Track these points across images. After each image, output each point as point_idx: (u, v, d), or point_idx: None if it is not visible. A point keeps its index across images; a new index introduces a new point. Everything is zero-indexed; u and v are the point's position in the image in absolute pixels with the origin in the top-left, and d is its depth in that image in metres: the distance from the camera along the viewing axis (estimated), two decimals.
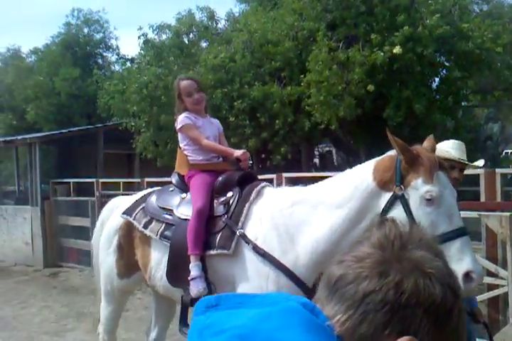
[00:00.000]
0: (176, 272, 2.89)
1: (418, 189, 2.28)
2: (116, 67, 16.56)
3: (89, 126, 12.61)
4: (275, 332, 0.69)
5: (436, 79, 8.68)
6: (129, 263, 3.26)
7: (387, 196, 2.38)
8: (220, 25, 12.50)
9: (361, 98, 8.04)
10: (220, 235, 2.80)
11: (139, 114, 10.11)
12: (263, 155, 11.62)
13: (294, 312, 0.74)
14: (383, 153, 2.57)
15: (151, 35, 11.56)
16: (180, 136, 3.27)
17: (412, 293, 0.72)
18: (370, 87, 7.71)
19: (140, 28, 11.26)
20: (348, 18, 8.55)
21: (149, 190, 3.58)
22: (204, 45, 12.03)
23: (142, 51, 11.81)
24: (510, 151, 18.44)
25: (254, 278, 2.63)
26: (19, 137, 10.99)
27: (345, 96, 7.98)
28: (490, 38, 7.73)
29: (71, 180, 9.53)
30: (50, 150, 12.28)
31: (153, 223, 3.11)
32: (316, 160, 13.74)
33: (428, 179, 2.27)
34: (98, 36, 16.84)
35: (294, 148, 10.02)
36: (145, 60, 11.51)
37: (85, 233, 8.80)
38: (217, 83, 9.56)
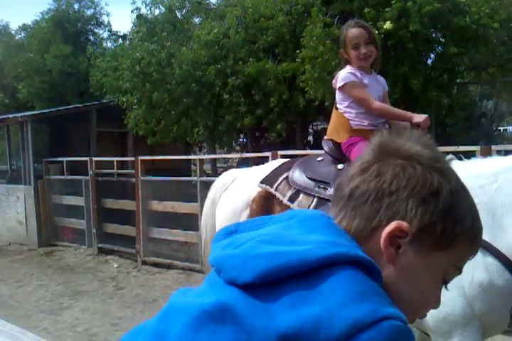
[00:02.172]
0: None
1: None
2: (109, 44, 16.29)
3: (81, 104, 12.45)
4: (299, 235, 0.71)
5: (432, 56, 8.58)
6: None
7: None
8: (213, 1, 12.30)
9: None
10: None
11: (131, 91, 9.99)
12: (257, 134, 11.58)
13: (314, 218, 0.76)
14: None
15: (143, 11, 11.39)
16: (340, 95, 2.79)
17: (392, 180, 0.73)
18: None
19: (133, 2, 11.07)
20: None
21: (281, 160, 3.15)
22: (197, 20, 11.84)
23: (135, 27, 11.61)
24: (503, 128, 18.46)
25: None
26: (10, 115, 10.84)
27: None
28: (487, 13, 7.62)
29: (64, 159, 9.46)
30: (43, 129, 12.14)
31: (301, 196, 2.68)
32: (311, 138, 13.70)
33: None
34: (89, 12, 16.50)
35: (289, 125, 9.97)
36: (137, 35, 11.31)
37: (79, 212, 8.80)
38: (211, 59, 9.44)
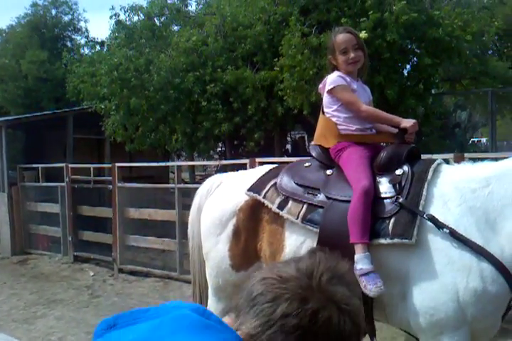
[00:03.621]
0: None
1: None
2: (86, 51, 16.17)
3: (57, 111, 12.30)
4: (166, 337, 0.73)
5: (408, 66, 8.76)
6: (247, 251, 2.75)
7: None
8: (192, 9, 12.34)
9: None
10: (393, 220, 2.30)
11: (109, 97, 9.92)
12: (236, 142, 11.59)
13: (184, 317, 0.78)
14: None
15: (122, 17, 11.35)
16: (328, 99, 2.75)
17: (324, 324, 0.77)
18: None
19: (112, 8, 11.03)
20: (320, 3, 8.52)
21: (267, 166, 3.09)
22: (176, 28, 11.85)
23: (113, 33, 11.57)
24: (477, 140, 18.87)
25: (447, 272, 2.13)
26: None
27: (317, 82, 7.97)
28: (460, 26, 7.81)
29: (39, 166, 9.32)
30: (18, 135, 11.96)
31: (290, 203, 2.62)
32: (289, 147, 13.78)
33: None
34: (67, 18, 16.37)
35: (267, 134, 10.01)
36: (116, 42, 11.27)
37: (55, 219, 8.66)
38: (189, 66, 9.44)
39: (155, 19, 11.80)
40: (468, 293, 2.09)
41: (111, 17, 11.06)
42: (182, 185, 7.24)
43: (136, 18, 11.58)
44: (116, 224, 7.43)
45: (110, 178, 7.89)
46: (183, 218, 6.70)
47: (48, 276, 7.44)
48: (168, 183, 9.82)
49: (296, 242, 2.57)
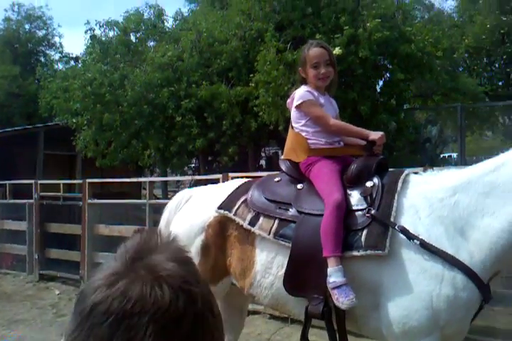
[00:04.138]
0: (299, 278, 2.41)
1: None
2: (60, 66, 16.03)
3: (28, 126, 12.08)
4: None
5: (380, 82, 8.86)
6: (216, 267, 2.74)
7: None
8: (168, 24, 12.36)
9: None
10: (365, 232, 2.31)
11: (81, 112, 9.78)
12: (209, 158, 11.51)
13: None
14: None
15: (98, 32, 11.30)
16: (296, 114, 2.74)
17: (137, 301, 0.68)
18: None
19: (87, 23, 10.96)
20: (295, 20, 8.60)
21: (237, 180, 3.05)
22: (152, 43, 11.83)
23: (88, 48, 11.49)
24: (448, 155, 19.16)
25: (420, 281, 2.17)
26: None
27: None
28: (431, 42, 7.98)
29: (7, 182, 9.05)
30: None
31: (262, 219, 2.61)
32: (263, 162, 13.74)
33: None
34: (41, 33, 16.26)
35: (241, 149, 9.97)
36: (90, 57, 11.18)
37: (21, 237, 8.37)
38: (164, 82, 9.40)
39: (131, 34, 11.78)
40: (441, 299, 2.14)
41: (86, 32, 10.99)
42: (153, 201, 7.08)
43: (111, 33, 11.54)
44: (85, 241, 7.21)
45: (80, 195, 7.69)
46: None
47: (10, 296, 7.12)
48: (140, 199, 9.64)
49: (268, 258, 2.57)
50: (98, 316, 0.68)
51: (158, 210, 7.61)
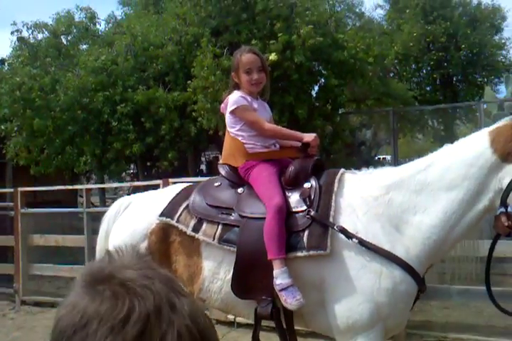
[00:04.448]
0: (246, 281, 2.45)
1: None
2: None
3: None
4: None
5: (316, 87, 9.10)
6: None
7: (510, 168, 2.19)
8: (101, 27, 12.08)
9: None
10: (307, 233, 2.37)
11: (10, 118, 9.36)
12: (148, 163, 11.34)
13: None
14: None
15: (25, 34, 10.85)
16: (231, 119, 2.77)
17: (84, 311, 0.70)
18: None
19: (14, 24, 10.51)
20: (231, 25, 8.67)
21: (177, 185, 3.01)
22: (84, 46, 11.52)
23: (15, 50, 11.01)
24: (382, 157, 19.94)
25: (361, 276, 2.27)
26: None
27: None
28: (362, 49, 8.30)
29: None
30: None
31: (205, 225, 2.62)
32: (203, 167, 13.71)
33: None
34: None
35: (181, 154, 9.90)
36: (18, 59, 10.72)
37: None
38: (99, 86, 9.18)
39: (61, 37, 11.41)
40: (381, 293, 2.26)
41: (12, 33, 10.53)
42: (91, 209, 6.90)
43: (40, 36, 11.13)
44: (18, 252, 6.90)
45: (12, 204, 7.35)
46: (92, 243, 6.37)
47: None
48: (77, 207, 9.35)
49: (214, 263, 2.59)
50: (60, 334, 0.69)
51: (96, 218, 7.42)
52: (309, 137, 2.66)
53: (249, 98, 2.76)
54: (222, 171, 2.82)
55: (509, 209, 2.24)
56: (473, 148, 2.28)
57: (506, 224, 2.26)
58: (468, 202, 2.26)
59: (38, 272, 6.96)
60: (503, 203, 2.22)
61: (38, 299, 6.75)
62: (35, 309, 6.56)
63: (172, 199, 2.82)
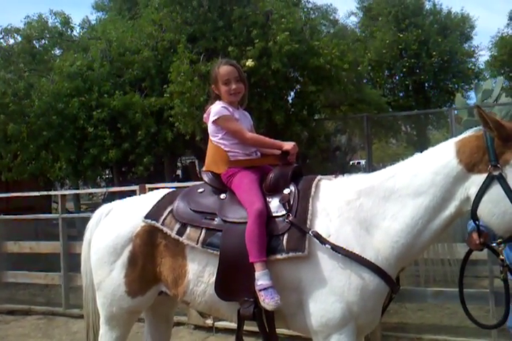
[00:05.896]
0: (229, 284, 2.54)
1: None
2: None
3: None
4: None
5: (292, 93, 9.21)
6: (144, 277, 2.79)
7: (476, 179, 2.25)
8: (75, 32, 11.97)
9: None
10: (286, 237, 2.49)
11: None
12: (124, 168, 11.26)
13: None
14: None
15: None
16: (213, 128, 2.87)
17: None
18: None
19: None
20: (207, 32, 8.72)
21: (161, 190, 3.07)
22: (58, 51, 11.40)
23: None
24: (357, 161, 20.19)
25: (333, 277, 2.40)
26: None
27: (206, 108, 8.08)
28: (337, 55, 8.44)
29: None
30: None
31: (189, 229, 2.70)
32: (179, 172, 13.69)
33: None
34: None
35: (157, 159, 9.87)
36: None
37: None
38: (74, 91, 9.11)
39: (34, 42, 11.26)
40: (352, 293, 2.39)
41: None
42: (66, 215, 6.83)
43: (12, 41, 10.96)
44: None
45: None
46: (68, 250, 6.31)
47: None
48: (51, 213, 9.22)
49: (199, 266, 2.67)
50: None
51: (71, 224, 7.35)
52: (289, 145, 2.78)
53: (230, 108, 2.87)
54: (206, 178, 2.90)
55: (480, 223, 2.33)
56: (439, 157, 2.36)
57: (478, 242, 2.39)
58: (434, 208, 2.35)
59: (13, 279, 6.85)
60: (473, 216, 2.30)
61: (12, 307, 6.65)
62: (8, 317, 6.45)
63: (157, 203, 2.90)
